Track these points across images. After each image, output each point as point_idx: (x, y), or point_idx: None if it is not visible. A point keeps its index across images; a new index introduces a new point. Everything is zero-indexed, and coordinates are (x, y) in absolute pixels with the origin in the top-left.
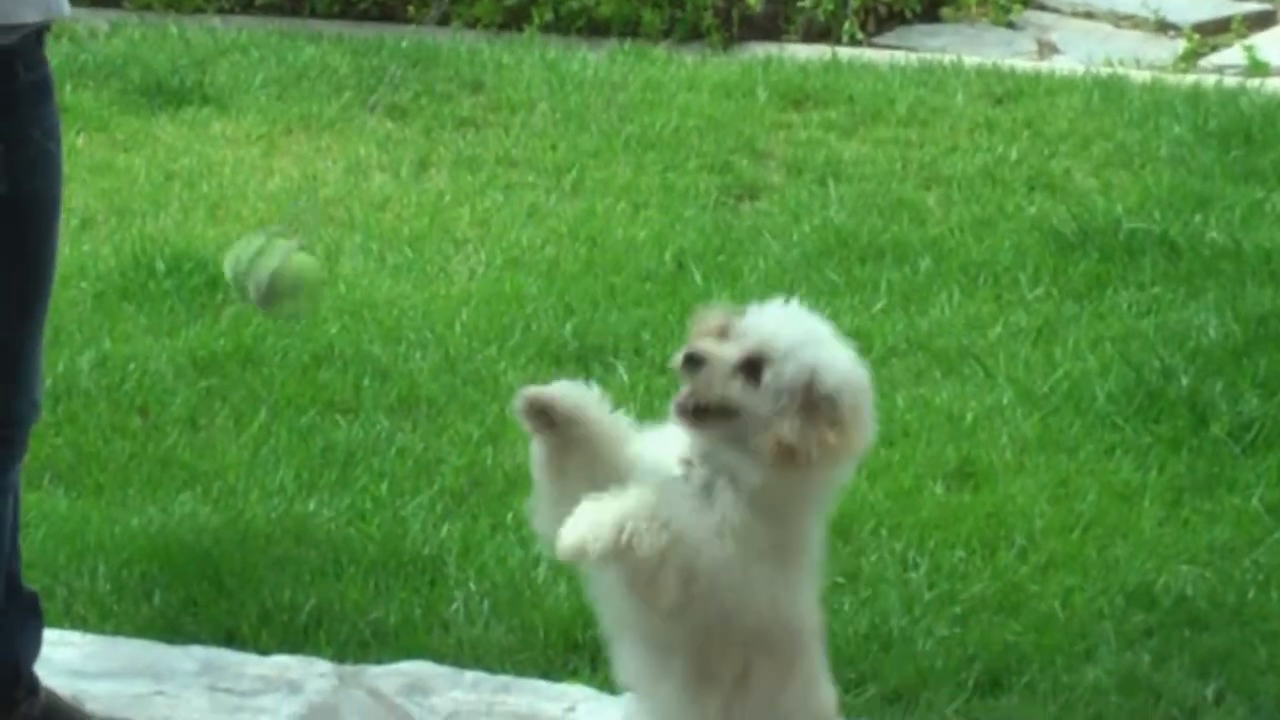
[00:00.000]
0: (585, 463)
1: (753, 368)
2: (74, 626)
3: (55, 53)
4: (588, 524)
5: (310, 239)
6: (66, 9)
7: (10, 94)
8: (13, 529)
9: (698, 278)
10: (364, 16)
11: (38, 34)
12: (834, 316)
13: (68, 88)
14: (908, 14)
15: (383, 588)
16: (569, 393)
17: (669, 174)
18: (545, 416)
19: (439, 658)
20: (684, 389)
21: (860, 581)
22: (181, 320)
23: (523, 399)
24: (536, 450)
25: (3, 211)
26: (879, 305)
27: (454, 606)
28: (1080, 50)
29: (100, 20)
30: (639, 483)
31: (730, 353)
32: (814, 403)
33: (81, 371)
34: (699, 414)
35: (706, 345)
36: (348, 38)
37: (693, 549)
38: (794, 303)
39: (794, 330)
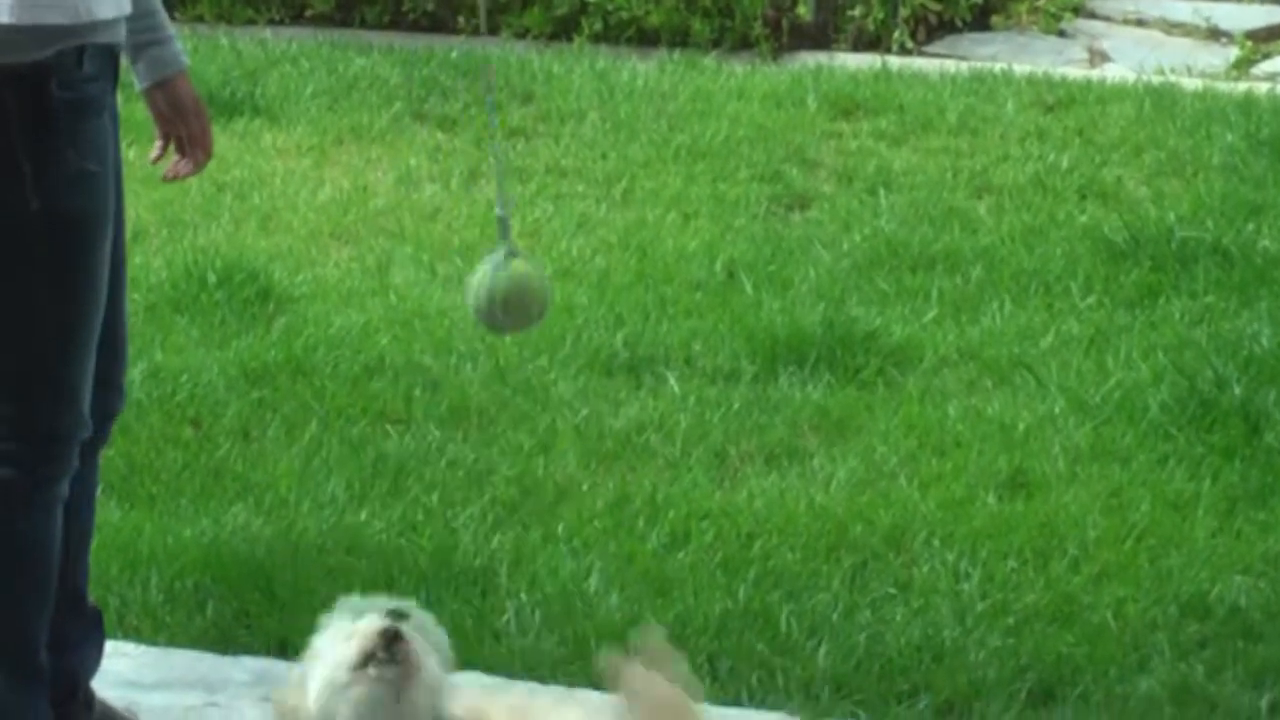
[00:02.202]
0: None
1: None
2: (127, 637)
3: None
4: None
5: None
6: (102, 13)
7: (42, 111)
8: (78, 544)
9: (748, 287)
10: (414, 27)
11: (79, 50)
12: (885, 326)
13: (119, 99)
14: (958, 23)
15: (434, 598)
16: None
17: (719, 184)
18: None
19: (491, 669)
20: None
21: (912, 592)
22: (233, 331)
23: None
24: None
25: (37, 229)
26: (930, 315)
27: (505, 617)
28: (1131, 58)
29: None
30: None
31: None
32: None
33: (134, 383)
34: None
35: None
36: (398, 48)
37: None
38: None
39: None
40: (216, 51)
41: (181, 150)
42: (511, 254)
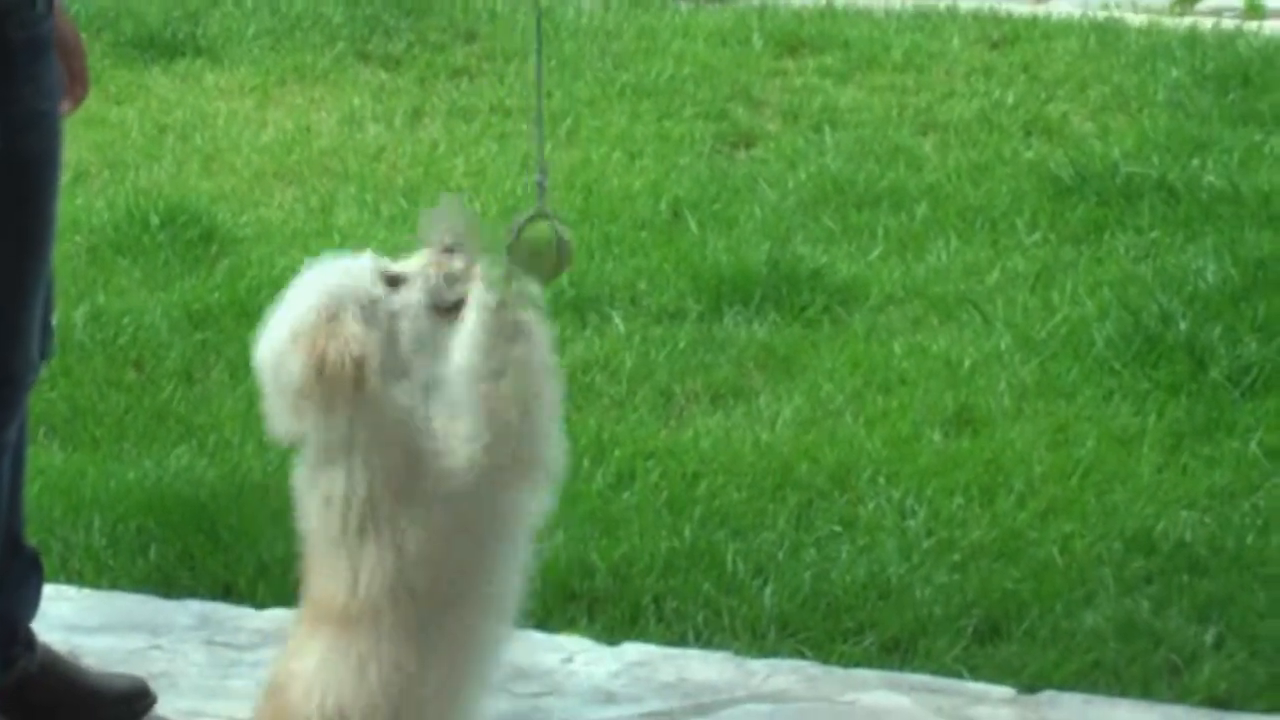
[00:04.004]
0: None
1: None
2: (70, 581)
3: None
4: None
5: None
6: None
7: (2, 54)
8: (13, 487)
9: (694, 226)
10: None
11: None
12: (831, 264)
13: None
14: None
15: None
16: None
17: (664, 122)
18: None
19: None
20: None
21: (858, 530)
22: (176, 273)
23: None
24: None
25: None
26: (876, 252)
27: None
28: None
29: None
30: None
31: None
32: None
33: (76, 325)
34: None
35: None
36: None
37: None
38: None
39: None
40: None
41: (60, 87)
42: (541, 215)
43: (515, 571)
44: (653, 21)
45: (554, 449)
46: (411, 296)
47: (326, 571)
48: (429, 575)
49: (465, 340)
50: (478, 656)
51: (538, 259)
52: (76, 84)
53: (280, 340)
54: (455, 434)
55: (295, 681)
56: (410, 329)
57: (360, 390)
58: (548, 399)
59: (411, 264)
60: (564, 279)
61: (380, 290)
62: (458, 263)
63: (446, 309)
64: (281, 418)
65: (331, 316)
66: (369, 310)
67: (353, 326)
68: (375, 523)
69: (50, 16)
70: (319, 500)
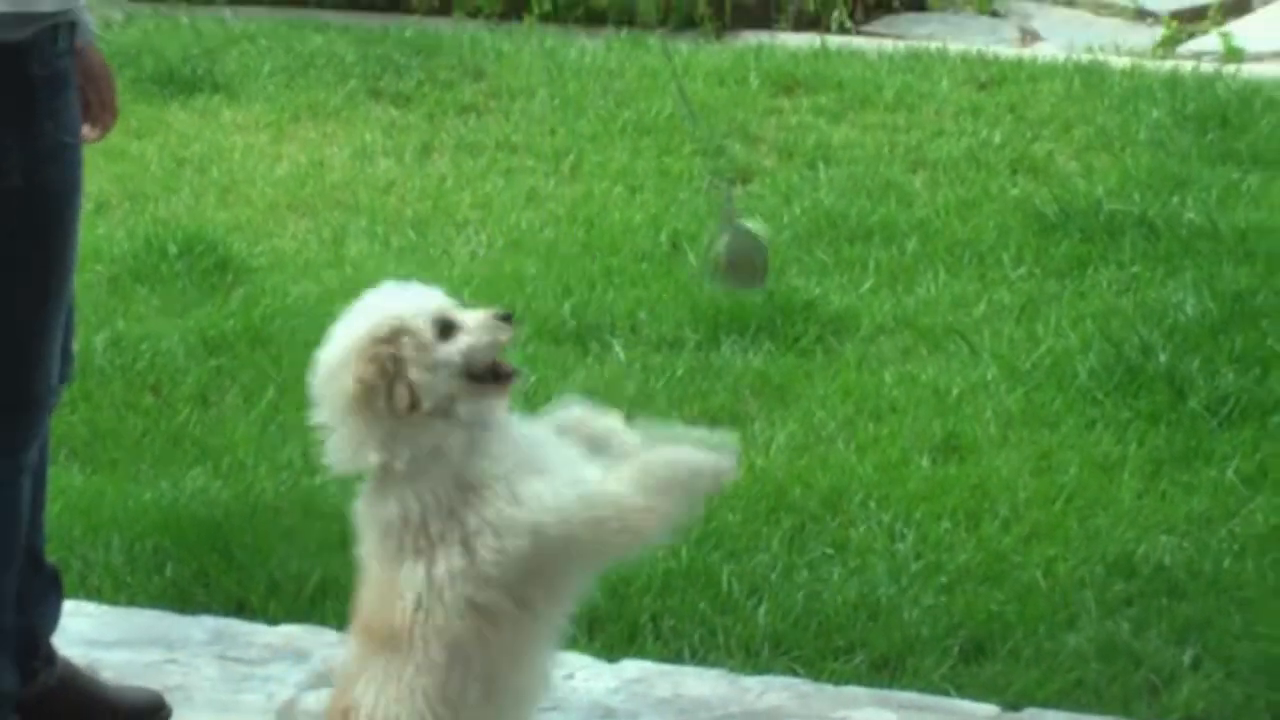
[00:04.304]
0: None
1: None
2: (89, 597)
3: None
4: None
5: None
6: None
7: (23, 88)
8: (34, 506)
9: (692, 258)
10: (369, 7)
11: (54, 29)
12: (824, 295)
13: None
14: (894, 3)
15: None
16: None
17: (664, 158)
18: None
19: None
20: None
21: (849, 552)
22: (193, 301)
23: None
24: None
25: (18, 203)
26: (867, 284)
27: None
28: (1061, 37)
29: (115, 11)
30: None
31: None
32: None
33: (96, 351)
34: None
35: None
36: (353, 27)
37: None
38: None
39: None
40: (177, 30)
41: (89, 116)
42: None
43: (567, 600)
44: (653, 61)
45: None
46: (453, 352)
47: (380, 596)
48: (477, 602)
49: (640, 466)
50: (527, 681)
51: (742, 269)
52: (105, 112)
53: (335, 356)
54: (543, 500)
55: (353, 709)
56: (441, 382)
57: (399, 416)
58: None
59: (468, 319)
60: (566, 309)
61: (430, 335)
62: (504, 334)
63: (476, 375)
64: (331, 433)
65: (384, 342)
66: (418, 348)
67: (403, 355)
68: (427, 550)
69: (71, 53)
70: (376, 526)
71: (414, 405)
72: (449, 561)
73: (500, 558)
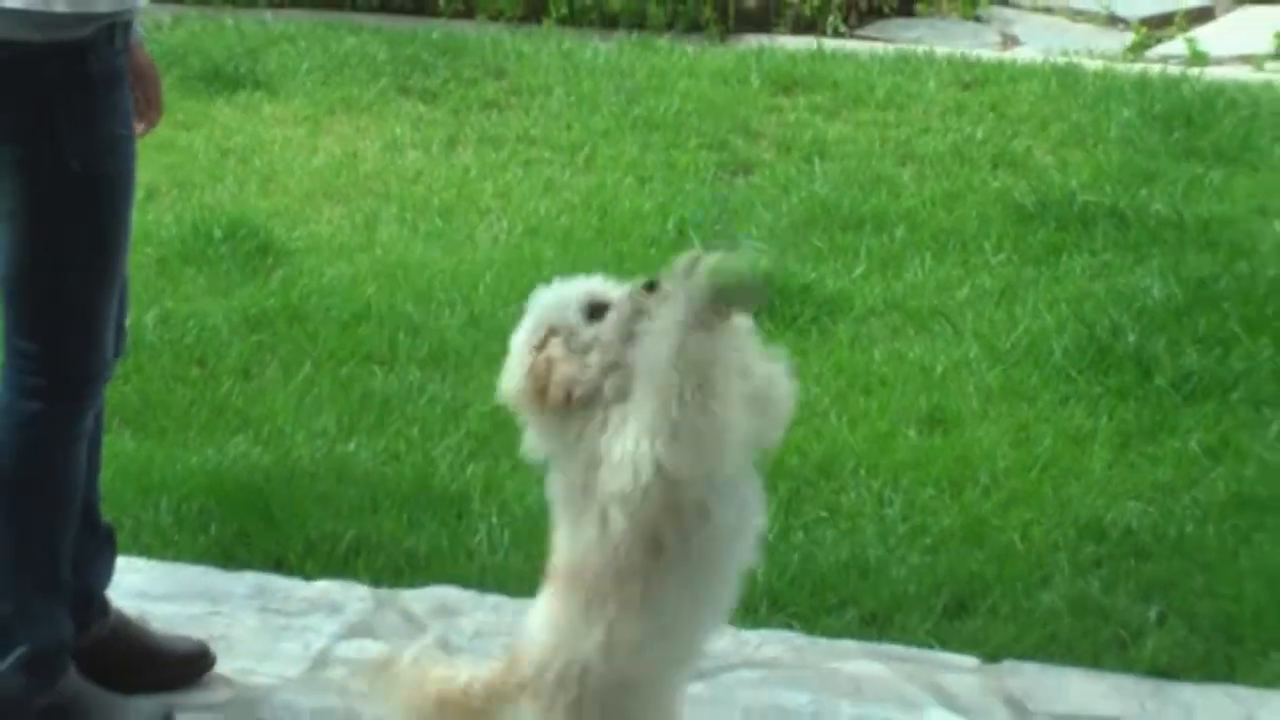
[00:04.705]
0: None
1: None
2: (140, 554)
3: None
4: None
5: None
6: (140, 2)
7: (83, 84)
8: (90, 470)
9: (697, 244)
10: (399, 10)
11: (110, 28)
12: (819, 279)
13: None
14: (885, 9)
15: (415, 520)
16: None
17: (672, 151)
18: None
19: (465, 583)
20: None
21: (841, 516)
22: (236, 282)
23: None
24: None
25: (77, 189)
26: (859, 270)
27: (478, 538)
28: (1040, 42)
29: (164, 13)
30: None
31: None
32: None
33: (147, 327)
34: None
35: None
36: (385, 29)
37: None
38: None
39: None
40: (222, 31)
41: (136, 112)
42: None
43: (729, 568)
44: (661, 62)
45: (735, 453)
46: (605, 329)
47: (562, 545)
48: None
49: (653, 330)
50: (688, 632)
51: (736, 290)
52: (152, 109)
53: (509, 365)
54: (628, 439)
55: (528, 641)
56: (599, 359)
57: (556, 406)
58: (728, 400)
59: (615, 295)
60: None
61: (579, 320)
62: (652, 301)
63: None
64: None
65: (537, 348)
66: (569, 338)
67: (555, 350)
68: (588, 511)
69: (125, 51)
70: (560, 486)
71: (568, 399)
72: (588, 531)
73: (613, 530)
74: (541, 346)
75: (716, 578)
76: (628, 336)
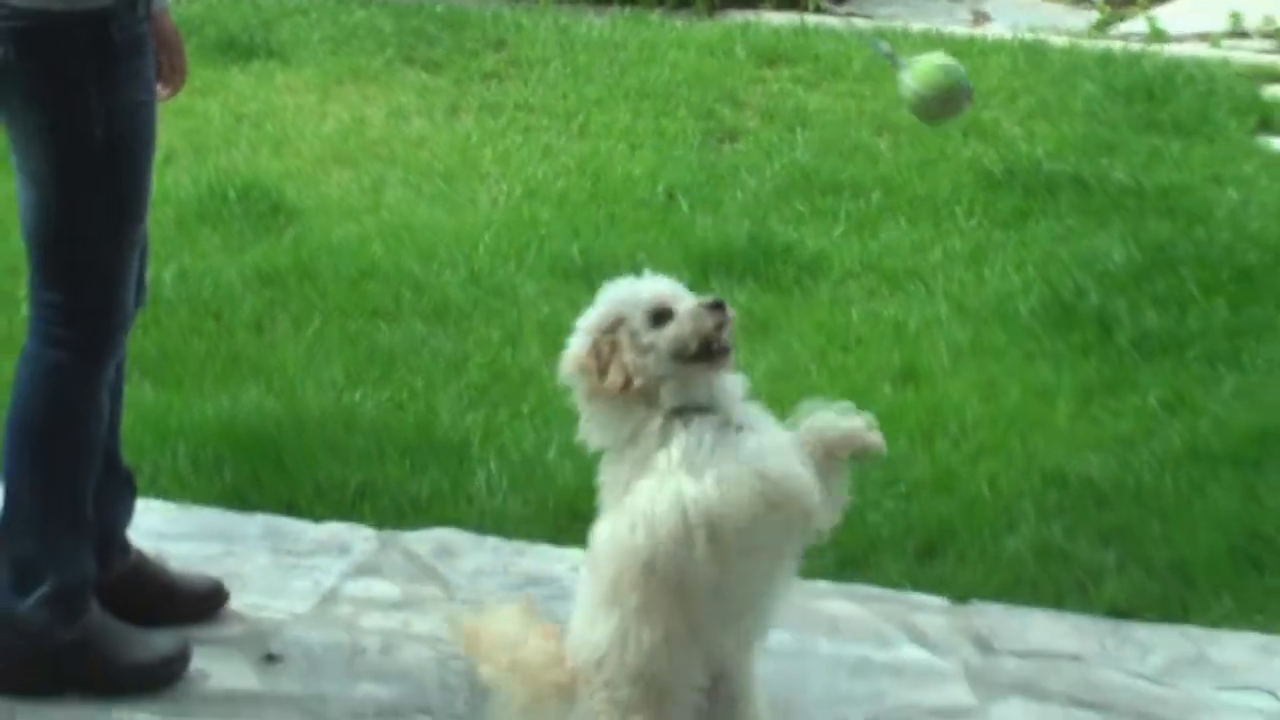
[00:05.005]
0: None
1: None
2: (158, 497)
3: None
4: None
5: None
6: None
7: (107, 51)
8: (112, 417)
9: (685, 207)
10: None
11: None
12: (800, 241)
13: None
14: None
15: (417, 466)
16: None
17: (661, 119)
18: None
19: (464, 526)
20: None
21: None
22: (249, 240)
23: None
24: None
25: (100, 152)
26: (838, 232)
27: (477, 483)
28: (1009, 19)
29: None
30: None
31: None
32: None
33: (165, 283)
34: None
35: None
36: (391, 3)
37: None
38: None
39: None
40: (237, 3)
41: (160, 76)
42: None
43: (775, 569)
44: (652, 35)
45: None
46: (663, 338)
47: (602, 538)
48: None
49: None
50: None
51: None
52: (175, 74)
53: (572, 346)
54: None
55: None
56: (651, 364)
57: (613, 398)
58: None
59: (682, 307)
60: (575, 250)
61: (643, 322)
62: (709, 321)
63: (689, 356)
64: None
65: (604, 332)
66: (632, 335)
67: (619, 340)
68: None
69: (147, 19)
70: (608, 477)
71: (627, 384)
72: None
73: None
74: (610, 332)
75: (750, 590)
76: (683, 354)
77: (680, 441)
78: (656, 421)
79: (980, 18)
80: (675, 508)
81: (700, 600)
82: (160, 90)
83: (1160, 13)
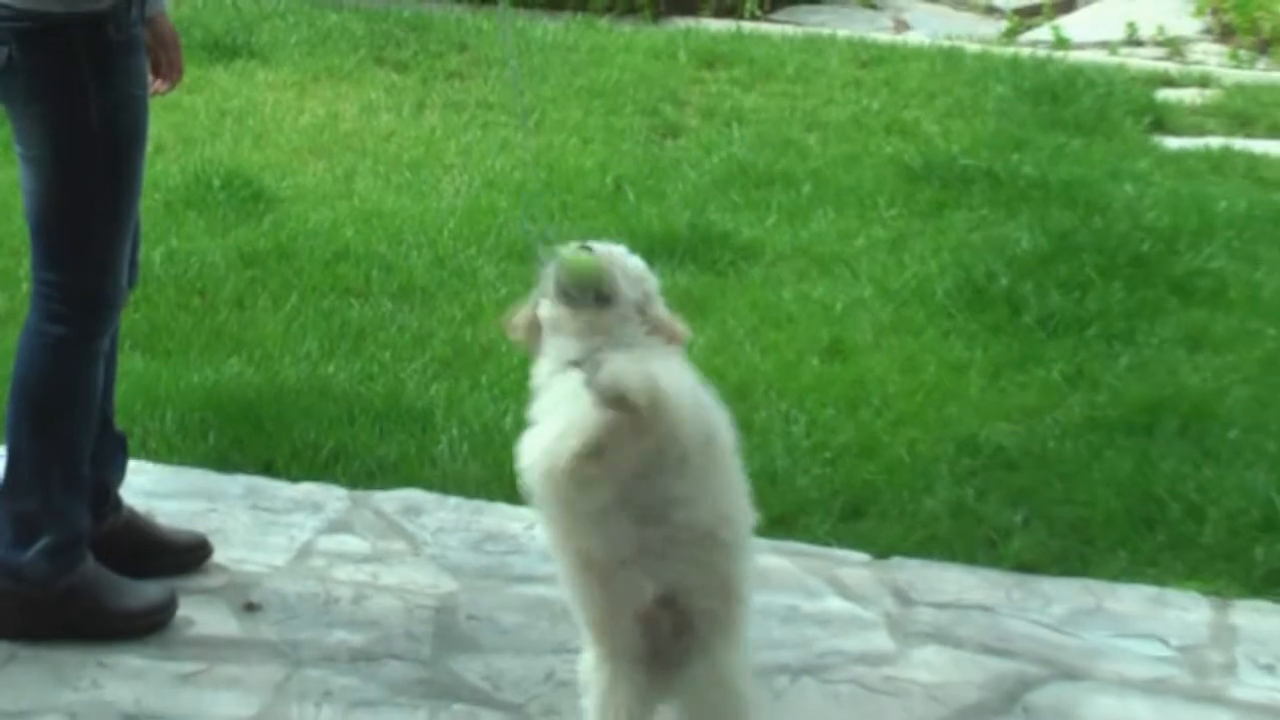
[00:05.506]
0: None
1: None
2: (148, 459)
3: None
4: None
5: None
6: None
7: (103, 51)
8: (107, 384)
9: (631, 197)
10: None
11: (129, 1)
12: (736, 228)
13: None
14: None
15: (386, 432)
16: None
17: (610, 117)
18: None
19: (428, 486)
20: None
21: (753, 432)
22: (232, 224)
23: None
24: None
25: (96, 141)
26: (771, 220)
27: (440, 447)
28: (927, 27)
29: None
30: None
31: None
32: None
33: (155, 263)
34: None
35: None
36: (363, 8)
37: None
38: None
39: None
40: (221, 7)
41: (159, 73)
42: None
43: (671, 482)
44: (602, 40)
45: None
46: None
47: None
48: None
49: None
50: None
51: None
52: (173, 70)
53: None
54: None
55: None
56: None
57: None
58: None
59: (632, 291)
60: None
61: (588, 299)
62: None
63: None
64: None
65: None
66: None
67: (543, 310)
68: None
69: (141, 21)
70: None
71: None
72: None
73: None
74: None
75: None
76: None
77: (551, 392)
78: (546, 370)
79: (901, 25)
80: (525, 455)
81: (589, 524)
82: (160, 85)
83: (1064, 21)
